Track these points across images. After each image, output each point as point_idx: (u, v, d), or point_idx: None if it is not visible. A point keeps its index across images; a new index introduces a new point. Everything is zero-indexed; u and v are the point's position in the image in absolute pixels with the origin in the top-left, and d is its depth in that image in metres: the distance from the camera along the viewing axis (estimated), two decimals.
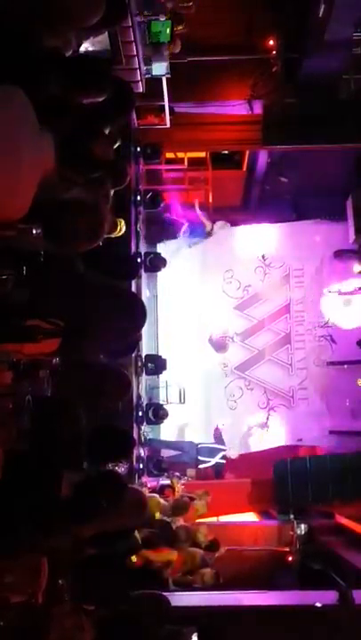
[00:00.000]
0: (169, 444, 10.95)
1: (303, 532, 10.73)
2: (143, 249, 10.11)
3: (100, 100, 3.55)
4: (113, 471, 4.26)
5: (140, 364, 9.51)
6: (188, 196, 12.06)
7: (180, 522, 8.69)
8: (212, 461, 10.89)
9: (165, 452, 10.76)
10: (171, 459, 10.59)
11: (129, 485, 4.07)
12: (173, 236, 11.17)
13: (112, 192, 4.03)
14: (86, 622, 3.74)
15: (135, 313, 3.92)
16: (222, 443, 11.12)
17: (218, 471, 11.15)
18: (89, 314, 3.51)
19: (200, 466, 10.86)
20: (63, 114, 3.20)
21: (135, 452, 8.81)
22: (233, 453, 11.20)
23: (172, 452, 10.84)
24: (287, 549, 10.64)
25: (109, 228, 5.10)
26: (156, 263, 10.19)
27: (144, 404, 9.65)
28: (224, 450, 11.03)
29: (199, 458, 10.82)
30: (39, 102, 2.89)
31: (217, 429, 11.30)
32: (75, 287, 3.44)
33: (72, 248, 3.33)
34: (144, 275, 10.05)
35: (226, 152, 12.66)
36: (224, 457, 11.04)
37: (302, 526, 10.76)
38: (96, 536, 3.77)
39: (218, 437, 11.22)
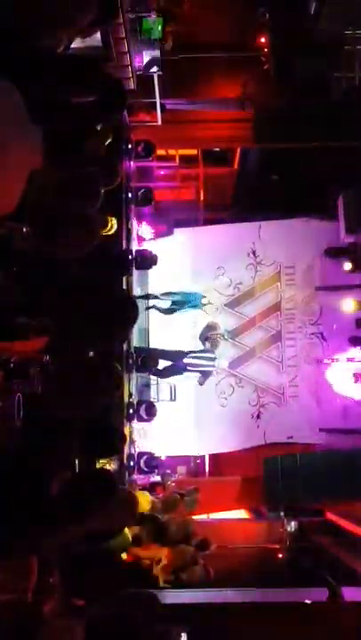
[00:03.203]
0: (158, 353, 10.82)
1: (293, 530, 10.77)
2: (134, 246, 10.10)
3: (91, 98, 3.54)
4: (103, 469, 4.25)
5: (130, 361, 9.51)
6: (180, 194, 12.08)
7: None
8: (201, 367, 10.92)
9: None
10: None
11: (120, 486, 4.07)
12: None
13: (103, 190, 4.02)
14: (76, 621, 3.73)
15: (126, 311, 3.92)
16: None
17: (204, 378, 11.17)
18: (78, 312, 3.50)
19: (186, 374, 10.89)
20: (54, 111, 3.19)
21: (126, 449, 8.80)
22: (223, 363, 11.33)
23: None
24: (277, 547, 10.67)
25: (100, 226, 5.08)
26: (147, 260, 10.17)
27: (135, 402, 9.65)
28: (213, 358, 11.04)
29: (188, 368, 10.82)
30: (31, 99, 2.88)
31: None
32: (64, 286, 3.44)
33: (66, 251, 3.33)
34: (135, 272, 10.04)
35: (217, 149, 12.66)
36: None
37: (293, 523, 10.80)
38: (86, 534, 3.77)
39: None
